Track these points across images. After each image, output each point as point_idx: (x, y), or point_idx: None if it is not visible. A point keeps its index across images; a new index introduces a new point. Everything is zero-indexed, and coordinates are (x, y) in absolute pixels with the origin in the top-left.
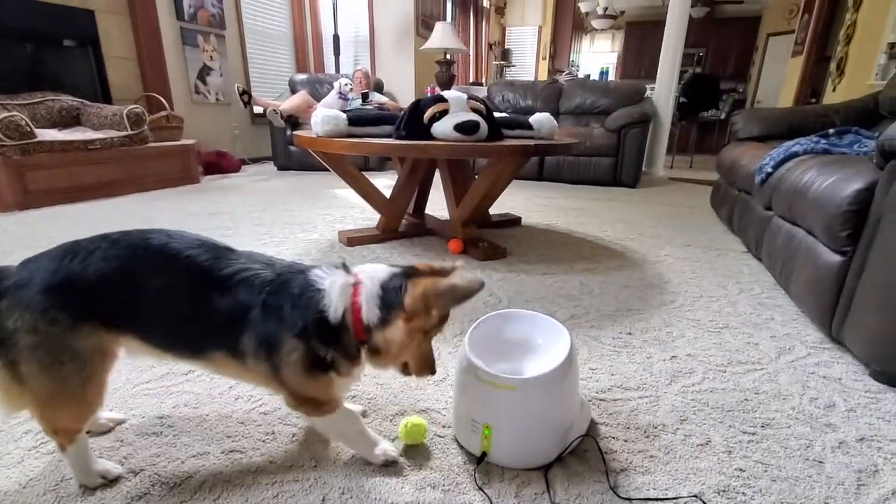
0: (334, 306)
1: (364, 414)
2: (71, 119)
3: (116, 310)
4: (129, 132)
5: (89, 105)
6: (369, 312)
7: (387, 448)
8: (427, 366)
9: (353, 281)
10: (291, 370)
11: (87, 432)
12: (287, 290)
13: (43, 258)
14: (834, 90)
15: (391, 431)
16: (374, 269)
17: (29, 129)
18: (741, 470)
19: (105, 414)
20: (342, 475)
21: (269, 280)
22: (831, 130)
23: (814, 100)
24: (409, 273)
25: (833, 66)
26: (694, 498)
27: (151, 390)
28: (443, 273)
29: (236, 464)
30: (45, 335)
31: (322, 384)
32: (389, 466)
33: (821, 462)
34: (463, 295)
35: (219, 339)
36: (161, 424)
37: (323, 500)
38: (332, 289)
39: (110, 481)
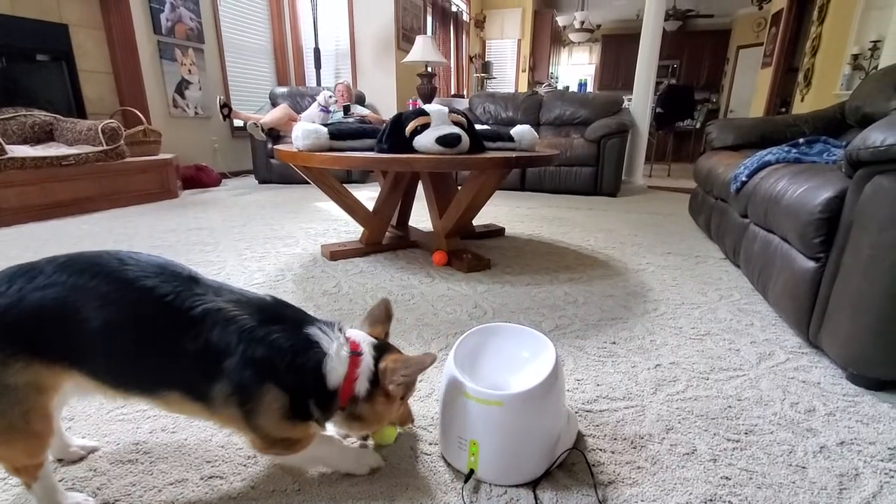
0: (336, 374)
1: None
2: (44, 134)
3: (56, 344)
4: (105, 147)
5: (63, 120)
6: (360, 386)
7: (368, 455)
8: (408, 419)
9: (352, 352)
10: (270, 418)
11: (59, 461)
12: (277, 341)
13: None
14: (802, 100)
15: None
16: (362, 338)
17: None
18: (727, 478)
19: (77, 441)
20: (326, 498)
21: (250, 327)
22: (801, 140)
23: (783, 109)
24: (379, 347)
25: (800, 76)
26: None
27: (126, 415)
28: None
29: (216, 490)
30: None
31: (300, 429)
32: (375, 473)
33: (803, 467)
34: (417, 369)
35: (181, 380)
36: (137, 451)
37: None
38: (338, 357)
39: None
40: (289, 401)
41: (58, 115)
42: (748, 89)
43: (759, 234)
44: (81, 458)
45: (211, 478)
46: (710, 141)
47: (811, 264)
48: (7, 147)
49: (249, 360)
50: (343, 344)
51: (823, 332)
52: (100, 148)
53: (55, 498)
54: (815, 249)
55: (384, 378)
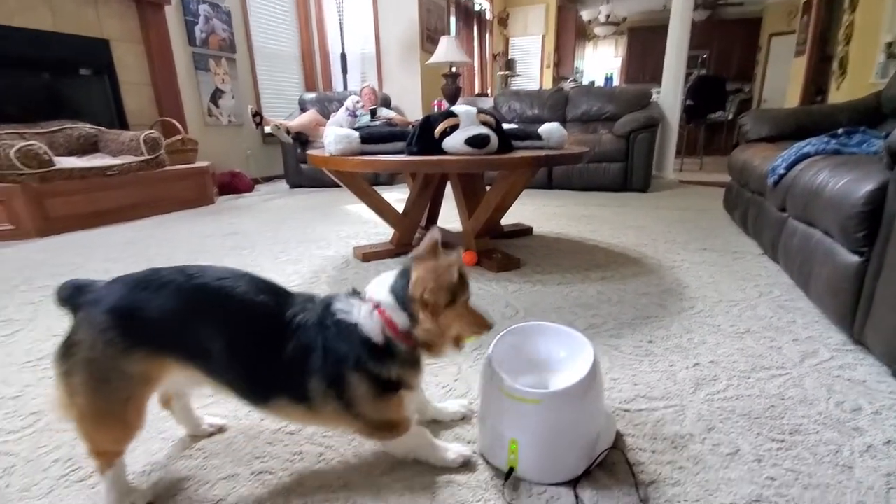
0: (374, 332)
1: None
2: (89, 146)
3: (179, 342)
4: (147, 157)
5: (106, 132)
6: (399, 319)
7: (460, 450)
8: (481, 326)
9: (373, 304)
10: (364, 401)
11: (193, 436)
12: (328, 327)
13: (122, 281)
14: (838, 89)
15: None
16: (381, 280)
17: (48, 158)
18: (772, 479)
19: (208, 419)
20: (371, 494)
21: (315, 321)
22: (840, 130)
23: (819, 98)
24: (411, 265)
25: (835, 65)
26: None
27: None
28: (441, 249)
29: (266, 485)
30: (100, 353)
31: (394, 404)
32: (467, 466)
33: (850, 467)
34: (446, 276)
35: (285, 385)
36: (191, 447)
37: None
38: (362, 318)
39: None
40: (369, 377)
41: (101, 127)
42: (782, 78)
43: (799, 228)
44: (211, 434)
45: (260, 473)
46: (744, 133)
47: (854, 259)
48: (55, 159)
49: (327, 351)
50: (362, 303)
51: (868, 328)
52: (142, 158)
53: (122, 489)
54: (858, 243)
55: (414, 295)
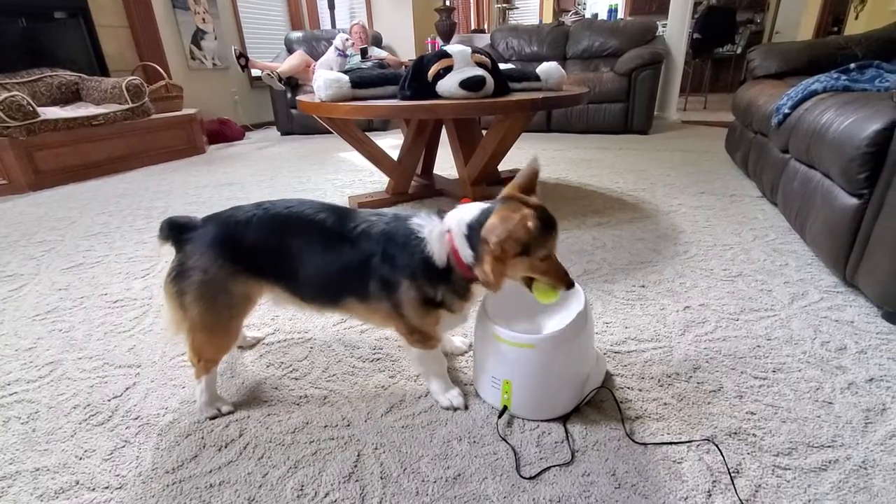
0: (437, 252)
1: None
2: (71, 95)
3: (268, 267)
4: (131, 105)
5: (88, 79)
6: (464, 253)
7: (455, 395)
8: (558, 282)
9: (446, 228)
10: (408, 305)
11: (240, 347)
12: (396, 238)
13: (215, 220)
14: (856, 18)
15: (415, 390)
16: (465, 209)
17: (31, 109)
18: (752, 413)
19: (249, 333)
20: (374, 432)
21: (381, 230)
22: (852, 65)
23: (836, 29)
24: (502, 202)
25: None
26: (706, 441)
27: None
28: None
29: (276, 425)
30: (213, 275)
31: (432, 318)
32: (454, 411)
33: (830, 403)
34: (519, 228)
35: (352, 287)
36: None
37: (358, 456)
38: (432, 237)
39: (222, 414)
40: (418, 289)
41: (82, 74)
42: (797, 7)
43: (800, 170)
44: (253, 345)
45: (269, 415)
46: (751, 69)
47: (853, 201)
48: (38, 109)
49: (385, 256)
50: (436, 224)
51: (861, 270)
52: (126, 106)
53: (213, 393)
54: (859, 185)
55: (485, 237)
